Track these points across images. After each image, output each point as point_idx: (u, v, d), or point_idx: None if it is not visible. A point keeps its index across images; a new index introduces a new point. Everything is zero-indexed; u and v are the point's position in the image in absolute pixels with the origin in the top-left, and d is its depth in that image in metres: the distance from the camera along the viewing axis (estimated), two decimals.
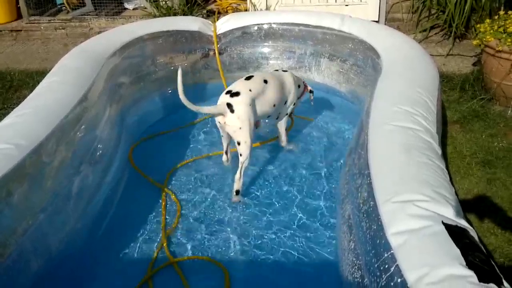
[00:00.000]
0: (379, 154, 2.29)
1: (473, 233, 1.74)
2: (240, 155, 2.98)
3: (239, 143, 2.96)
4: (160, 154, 3.58)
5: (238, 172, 3.00)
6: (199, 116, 4.05)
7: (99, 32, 5.07)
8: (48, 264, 2.38)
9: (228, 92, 3.00)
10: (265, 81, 3.13)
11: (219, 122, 3.02)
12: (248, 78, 3.15)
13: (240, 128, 2.92)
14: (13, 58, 5.70)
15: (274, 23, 4.44)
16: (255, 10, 5.97)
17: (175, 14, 5.86)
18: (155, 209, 2.98)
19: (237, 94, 2.96)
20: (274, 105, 3.17)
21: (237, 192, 3.02)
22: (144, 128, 3.90)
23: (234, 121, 2.91)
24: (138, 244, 2.71)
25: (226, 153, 3.28)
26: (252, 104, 2.99)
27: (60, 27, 6.39)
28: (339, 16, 4.23)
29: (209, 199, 3.07)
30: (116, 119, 3.51)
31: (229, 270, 2.51)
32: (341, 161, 3.30)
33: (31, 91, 3.03)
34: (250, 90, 3.01)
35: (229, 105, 2.92)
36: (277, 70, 3.45)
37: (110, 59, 3.62)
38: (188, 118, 4.01)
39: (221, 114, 2.94)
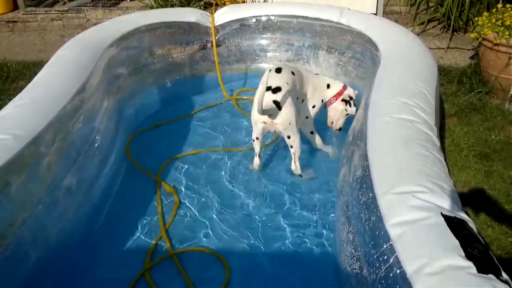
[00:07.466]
0: (378, 146, 2.29)
1: (471, 224, 1.74)
2: None
3: None
4: (158, 145, 3.57)
5: None
6: (196, 107, 4.05)
7: (96, 24, 5.03)
8: (47, 254, 2.38)
9: None
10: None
11: None
12: None
13: None
14: (10, 49, 5.66)
15: (272, 15, 4.42)
16: (253, 1, 5.94)
17: (172, 6, 5.82)
18: (154, 200, 2.98)
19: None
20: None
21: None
22: (141, 119, 3.89)
23: None
24: (137, 235, 2.72)
25: None
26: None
27: (57, 18, 6.35)
28: (337, 9, 4.21)
29: (208, 190, 3.06)
30: (113, 110, 3.49)
31: (227, 261, 2.52)
32: (340, 153, 3.30)
33: (28, 82, 3.00)
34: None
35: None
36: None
37: (108, 50, 3.59)
38: (186, 110, 4.00)
39: None
